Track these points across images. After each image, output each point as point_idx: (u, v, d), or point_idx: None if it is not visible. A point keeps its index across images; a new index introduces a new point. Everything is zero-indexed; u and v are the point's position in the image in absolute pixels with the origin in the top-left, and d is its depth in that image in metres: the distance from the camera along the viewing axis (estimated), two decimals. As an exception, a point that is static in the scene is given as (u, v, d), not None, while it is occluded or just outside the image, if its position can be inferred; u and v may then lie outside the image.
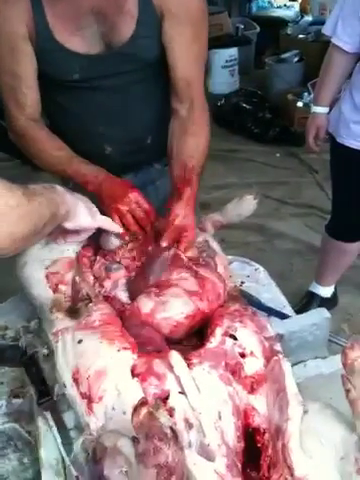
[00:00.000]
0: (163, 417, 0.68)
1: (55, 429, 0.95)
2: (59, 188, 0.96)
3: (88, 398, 0.83)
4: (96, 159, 1.33)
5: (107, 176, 1.21)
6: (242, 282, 1.38)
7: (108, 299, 1.11)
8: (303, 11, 5.51)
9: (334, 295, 2.31)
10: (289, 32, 4.77)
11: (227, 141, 3.91)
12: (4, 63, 1.19)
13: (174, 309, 1.02)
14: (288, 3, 5.97)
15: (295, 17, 5.33)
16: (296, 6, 5.77)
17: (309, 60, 4.33)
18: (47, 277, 1.18)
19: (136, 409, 0.70)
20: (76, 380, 0.88)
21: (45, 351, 1.13)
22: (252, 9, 5.80)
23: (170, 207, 1.16)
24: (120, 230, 1.15)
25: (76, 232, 1.11)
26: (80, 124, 1.34)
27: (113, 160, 1.37)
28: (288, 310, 1.29)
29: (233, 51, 4.86)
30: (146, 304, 1.03)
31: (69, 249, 1.23)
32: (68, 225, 1.03)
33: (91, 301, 1.11)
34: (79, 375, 0.87)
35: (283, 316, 1.18)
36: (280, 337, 1.07)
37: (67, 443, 0.92)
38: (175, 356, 0.80)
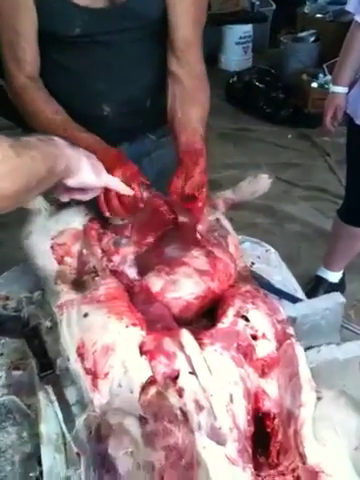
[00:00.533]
0: (173, 397, 0.65)
1: (56, 404, 0.93)
2: (58, 140, 0.88)
3: (93, 374, 0.80)
4: (93, 121, 1.28)
5: (101, 147, 1.13)
6: (253, 263, 1.34)
7: (116, 274, 1.07)
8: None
9: (342, 281, 2.27)
10: (306, 11, 4.63)
11: (238, 120, 3.82)
12: (5, 19, 1.16)
13: (184, 289, 0.98)
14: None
15: (312, -5, 5.17)
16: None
17: (326, 40, 4.21)
18: (53, 248, 1.14)
19: (144, 388, 0.67)
20: (81, 355, 0.84)
21: (48, 323, 1.10)
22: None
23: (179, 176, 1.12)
24: (130, 192, 1.07)
25: (81, 190, 1.01)
26: (78, 82, 1.29)
27: (110, 123, 1.33)
28: (300, 293, 1.26)
29: (248, 28, 4.74)
30: (156, 283, 0.99)
31: (76, 220, 1.19)
32: (69, 182, 0.94)
33: (98, 275, 1.07)
34: (84, 350, 0.84)
35: (295, 299, 1.14)
36: (292, 320, 1.03)
37: (69, 419, 0.89)
38: (186, 335, 0.76)
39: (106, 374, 0.77)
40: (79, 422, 0.79)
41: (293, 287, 1.28)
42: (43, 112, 1.20)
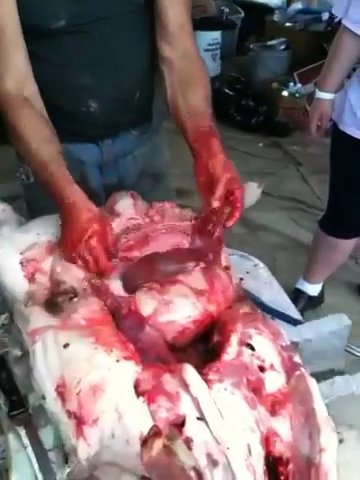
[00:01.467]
0: (183, 453, 0.53)
1: (30, 449, 0.79)
2: None
3: (78, 418, 0.67)
4: (79, 118, 1.21)
5: (79, 208, 0.98)
6: (241, 278, 1.24)
7: (98, 291, 0.94)
8: (288, 0, 5.36)
9: (321, 293, 2.20)
10: (276, 19, 4.62)
11: (209, 127, 3.74)
12: None
13: (180, 311, 0.86)
14: (273, -10, 5.81)
15: (280, 4, 5.18)
16: (281, -7, 5.62)
17: (296, 49, 4.21)
18: (22, 264, 1.00)
19: (147, 441, 0.55)
20: (61, 394, 0.71)
21: (17, 352, 0.96)
22: (236, -7, 5.61)
23: (199, 168, 1.04)
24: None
25: None
26: (63, 77, 1.17)
27: (97, 120, 1.23)
28: (293, 312, 1.16)
29: (216, 34, 4.68)
30: (147, 303, 0.87)
31: (48, 231, 1.06)
32: None
33: (76, 295, 0.94)
34: (65, 388, 0.71)
35: (295, 322, 1.04)
36: (295, 346, 0.93)
37: (46, 468, 0.75)
38: (190, 372, 0.64)
39: (95, 420, 0.65)
40: (61, 477, 0.66)
41: (286, 305, 1.19)
42: (28, 141, 1.05)
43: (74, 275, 0.96)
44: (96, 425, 0.65)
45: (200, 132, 1.05)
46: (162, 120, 1.39)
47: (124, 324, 0.84)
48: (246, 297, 1.05)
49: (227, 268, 1.06)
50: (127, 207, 1.12)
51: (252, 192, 1.31)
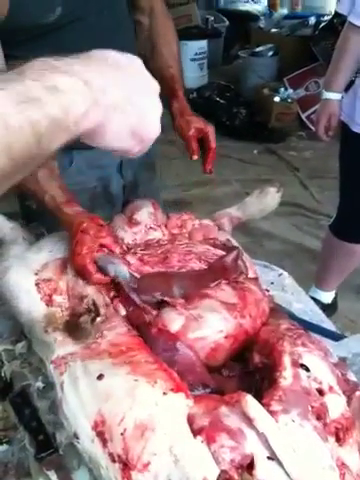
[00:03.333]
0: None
1: (63, 495, 0.70)
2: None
3: (124, 463, 0.58)
4: None
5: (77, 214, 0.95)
6: (267, 290, 1.16)
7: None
8: (271, 7, 5.37)
9: (334, 300, 2.13)
10: (262, 26, 4.61)
11: (201, 136, 3.69)
12: None
13: (211, 326, 0.78)
14: (256, -2, 5.83)
15: (264, 11, 5.19)
16: (264, 1, 5.63)
17: (284, 55, 4.19)
18: (38, 286, 0.92)
19: (218, 491, 0.46)
20: (100, 434, 0.63)
21: (40, 384, 0.87)
22: (220, 2, 5.61)
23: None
24: None
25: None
26: None
27: None
28: (329, 324, 1.09)
29: (203, 43, 4.67)
30: (174, 319, 0.78)
31: (61, 248, 0.99)
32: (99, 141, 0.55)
33: (98, 314, 0.86)
34: (105, 427, 0.62)
35: (336, 337, 0.96)
36: (344, 361, 0.86)
37: None
38: (253, 403, 0.56)
39: (146, 465, 0.56)
40: None
41: (318, 317, 1.11)
42: None
43: (95, 287, 0.88)
44: (147, 470, 0.56)
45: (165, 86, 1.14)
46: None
47: (156, 346, 0.76)
48: (280, 310, 0.98)
49: (256, 280, 0.99)
50: (147, 216, 1.06)
51: (272, 197, 1.25)
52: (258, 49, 4.32)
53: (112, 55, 0.55)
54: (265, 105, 3.84)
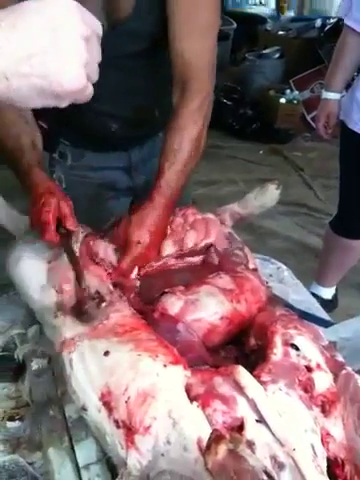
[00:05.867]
0: (251, 457, 0.51)
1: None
2: None
3: (128, 427, 0.64)
4: (102, 136, 1.25)
5: (34, 180, 1.00)
6: (266, 282, 1.22)
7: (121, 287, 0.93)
8: (279, 9, 5.43)
9: (334, 297, 2.18)
10: (269, 28, 4.67)
11: (208, 137, 3.72)
12: None
13: (207, 309, 0.85)
14: (263, 0, 5.89)
15: (272, 14, 5.25)
16: (272, 3, 5.69)
17: (290, 57, 4.25)
18: (49, 274, 0.99)
19: (210, 446, 0.52)
20: (107, 403, 0.69)
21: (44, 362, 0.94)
22: (228, 5, 5.68)
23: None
24: None
25: None
26: (84, 104, 1.18)
27: (119, 136, 1.25)
28: (323, 314, 1.14)
29: (210, 46, 4.72)
30: (174, 303, 0.85)
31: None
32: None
33: (104, 300, 0.92)
34: (111, 397, 0.68)
35: (326, 323, 1.02)
36: (334, 345, 0.91)
37: (91, 481, 0.73)
38: (244, 373, 0.62)
39: (147, 428, 0.62)
40: (113, 489, 0.63)
41: (314, 307, 1.17)
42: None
43: (98, 278, 0.94)
44: (148, 433, 0.62)
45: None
46: None
47: (159, 328, 0.82)
48: (276, 299, 1.04)
49: (255, 270, 1.05)
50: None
51: (271, 194, 1.30)
52: (265, 51, 4.38)
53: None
54: (271, 106, 3.90)
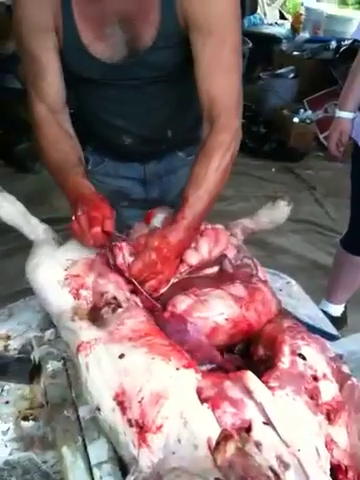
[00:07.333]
0: (258, 455, 0.54)
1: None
2: None
3: (140, 426, 0.68)
4: (118, 148, 1.31)
5: (84, 193, 1.06)
6: (275, 295, 1.25)
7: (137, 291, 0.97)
8: (295, 30, 5.51)
9: (344, 314, 2.20)
10: (284, 48, 4.74)
11: (221, 153, 3.80)
12: (30, 49, 1.11)
13: (214, 308, 0.90)
14: (279, 21, 5.98)
15: (287, 35, 5.32)
16: (287, 24, 5.78)
17: (304, 77, 4.30)
18: (66, 280, 1.03)
19: (219, 444, 0.55)
20: (121, 403, 0.72)
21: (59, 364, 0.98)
22: (244, 25, 5.77)
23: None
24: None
25: None
26: (100, 116, 1.27)
27: (133, 149, 1.31)
28: (331, 329, 1.17)
29: (226, 64, 4.78)
30: (183, 301, 0.90)
31: (87, 249, 1.09)
32: None
33: (120, 305, 0.96)
34: (125, 397, 0.72)
35: (332, 337, 1.04)
36: (340, 357, 0.94)
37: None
38: (253, 378, 0.65)
39: (159, 427, 0.65)
40: (126, 485, 0.66)
41: (322, 321, 1.20)
42: (47, 151, 1.15)
43: (115, 284, 0.98)
44: (160, 432, 0.65)
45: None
46: None
47: (169, 328, 0.85)
48: (286, 312, 1.07)
49: (266, 282, 1.08)
50: (162, 221, 1.16)
51: (282, 210, 1.33)
52: (280, 71, 4.44)
53: None
54: (284, 125, 3.94)
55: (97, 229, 0.98)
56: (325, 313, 2.15)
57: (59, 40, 1.09)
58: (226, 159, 1.07)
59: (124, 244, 1.01)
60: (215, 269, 1.07)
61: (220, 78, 1.06)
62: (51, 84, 1.13)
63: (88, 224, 0.99)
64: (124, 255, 0.99)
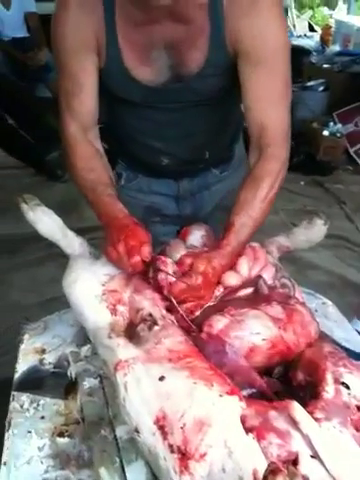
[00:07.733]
0: (307, 492, 0.52)
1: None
2: None
3: (182, 453, 0.67)
4: (154, 168, 1.31)
5: (116, 217, 1.04)
6: (311, 316, 1.23)
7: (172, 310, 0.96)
8: (324, 42, 5.49)
9: (375, 333, 2.15)
10: (314, 61, 4.72)
11: (250, 166, 3.79)
12: (68, 67, 1.10)
13: (250, 328, 0.88)
14: (308, 33, 5.96)
15: (316, 47, 5.30)
16: (316, 36, 5.75)
17: (334, 90, 4.27)
18: (104, 296, 1.02)
19: (267, 478, 0.54)
20: (161, 428, 0.71)
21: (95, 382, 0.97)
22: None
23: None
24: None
25: None
26: (137, 137, 1.26)
27: (170, 169, 1.31)
28: (367, 352, 1.14)
29: (256, 77, 4.78)
30: (219, 321, 0.89)
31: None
32: None
33: (156, 323, 0.95)
34: (167, 422, 0.71)
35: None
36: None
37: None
38: (299, 409, 0.64)
39: (202, 455, 0.64)
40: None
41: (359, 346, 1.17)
42: (79, 169, 1.13)
43: (151, 301, 0.97)
44: (204, 460, 0.64)
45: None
46: (244, 159, 1.40)
47: (208, 349, 0.84)
48: (325, 335, 1.05)
49: (304, 304, 1.06)
50: (199, 239, 1.16)
51: (318, 229, 1.31)
52: (309, 83, 4.41)
53: None
54: (314, 138, 3.91)
55: (137, 259, 0.96)
56: (358, 332, 2.11)
57: (100, 61, 1.09)
58: (274, 189, 1.07)
59: (169, 260, 1.00)
60: (250, 290, 1.06)
61: (270, 108, 1.06)
62: (84, 102, 1.12)
63: (126, 253, 0.97)
64: (167, 271, 0.98)
